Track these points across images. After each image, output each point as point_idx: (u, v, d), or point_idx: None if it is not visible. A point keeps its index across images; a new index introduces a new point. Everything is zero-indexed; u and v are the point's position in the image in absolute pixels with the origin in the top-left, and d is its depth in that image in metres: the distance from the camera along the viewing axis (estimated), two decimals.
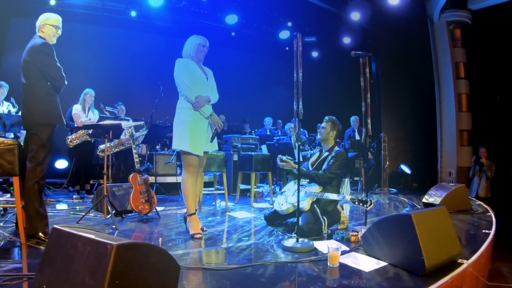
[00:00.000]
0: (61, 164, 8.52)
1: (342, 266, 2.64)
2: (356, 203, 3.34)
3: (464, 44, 9.80)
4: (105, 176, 4.19)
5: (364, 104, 3.80)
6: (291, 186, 4.15)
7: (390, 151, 9.12)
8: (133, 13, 8.86)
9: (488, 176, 8.81)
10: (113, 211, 4.24)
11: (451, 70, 9.68)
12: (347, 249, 3.09)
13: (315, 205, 3.78)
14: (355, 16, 9.30)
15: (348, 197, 3.45)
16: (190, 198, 3.65)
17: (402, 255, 2.56)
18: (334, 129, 4.12)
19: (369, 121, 3.82)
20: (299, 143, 3.11)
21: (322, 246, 3.16)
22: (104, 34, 9.22)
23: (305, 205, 3.71)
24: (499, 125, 9.60)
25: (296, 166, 4.05)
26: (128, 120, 6.30)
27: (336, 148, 4.11)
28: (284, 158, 4.02)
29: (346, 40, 10.31)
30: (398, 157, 9.93)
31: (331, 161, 3.94)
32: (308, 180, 3.97)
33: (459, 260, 2.71)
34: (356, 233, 3.42)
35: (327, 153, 4.09)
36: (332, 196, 3.60)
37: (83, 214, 4.23)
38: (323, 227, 3.70)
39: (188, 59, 3.75)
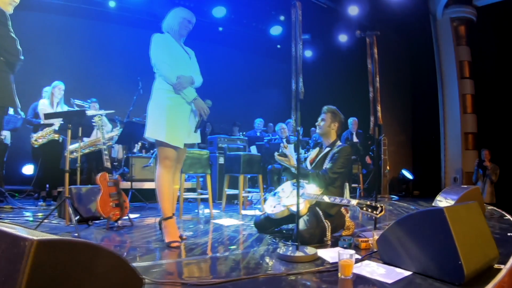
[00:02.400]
0: (28, 169, 8.04)
1: (358, 278, 2.19)
2: (364, 209, 2.89)
3: (469, 42, 9.61)
4: (66, 175, 3.68)
5: (372, 89, 3.38)
6: (286, 187, 3.67)
7: (390, 156, 8.77)
8: (112, 4, 8.45)
9: (493, 180, 8.53)
10: (77, 217, 3.76)
11: (455, 69, 9.46)
12: (359, 257, 2.63)
13: (316, 208, 3.33)
14: (353, 10, 9.00)
15: (354, 202, 3.00)
16: (166, 198, 3.16)
17: (432, 260, 2.11)
18: (335, 120, 3.71)
19: (378, 108, 3.39)
20: (299, 129, 2.66)
21: (328, 254, 2.71)
22: (79, 26, 8.83)
23: (301, 208, 3.25)
24: (505, 127, 9.32)
25: (296, 163, 3.62)
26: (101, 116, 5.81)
27: (339, 142, 3.70)
28: (284, 152, 3.58)
29: (343, 38, 10.01)
30: (398, 162, 9.63)
31: (334, 158, 3.52)
32: (306, 181, 3.52)
33: (496, 266, 2.32)
34: (366, 239, 2.98)
35: (328, 149, 3.66)
36: (335, 200, 3.14)
37: (45, 221, 3.74)
38: (327, 232, 3.24)
39: (167, 35, 3.34)
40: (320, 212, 3.31)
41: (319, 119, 3.76)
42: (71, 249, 1.17)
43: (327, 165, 3.53)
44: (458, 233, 2.02)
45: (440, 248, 2.07)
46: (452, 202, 4.77)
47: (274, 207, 3.50)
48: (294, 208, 3.26)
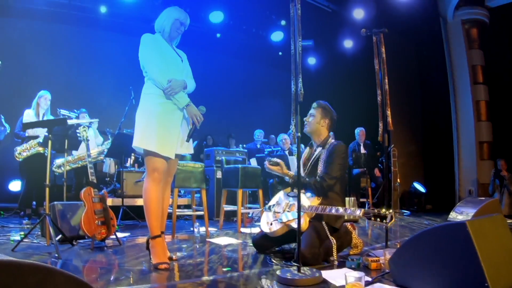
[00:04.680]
0: (15, 186, 7.92)
1: None
2: (373, 218, 2.71)
3: (482, 45, 9.52)
4: (47, 189, 3.52)
5: (380, 92, 3.22)
6: (281, 199, 3.48)
7: (400, 167, 8.60)
8: (103, 9, 8.40)
9: (511, 191, 8.32)
10: (59, 236, 3.59)
11: (468, 74, 9.34)
12: (369, 279, 2.45)
13: (319, 222, 3.14)
14: (358, 14, 8.92)
15: (360, 212, 2.82)
16: (154, 215, 2.98)
17: (453, 283, 1.94)
18: (326, 116, 3.51)
19: (388, 112, 3.22)
20: (299, 135, 2.50)
21: (334, 276, 2.53)
22: (68, 33, 8.78)
23: (301, 223, 3.06)
24: None
25: (290, 172, 3.44)
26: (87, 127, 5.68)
27: (331, 140, 3.49)
28: (274, 160, 3.40)
29: (348, 43, 9.93)
30: (409, 174, 9.46)
31: (328, 160, 3.32)
32: (302, 190, 3.33)
33: None
34: (377, 259, 2.79)
35: (319, 149, 3.47)
36: (339, 211, 2.95)
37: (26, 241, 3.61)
38: (332, 251, 3.05)
39: (158, 35, 3.23)
40: (326, 227, 3.12)
41: (308, 114, 3.57)
42: (16, 271, 1.01)
43: (323, 169, 3.33)
44: (484, 251, 1.85)
45: (463, 268, 1.90)
46: (469, 217, 4.60)
47: (271, 224, 3.33)
48: (293, 224, 3.09)
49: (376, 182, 8.28)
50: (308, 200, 3.22)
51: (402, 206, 8.64)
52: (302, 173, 3.50)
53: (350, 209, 2.93)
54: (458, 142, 9.62)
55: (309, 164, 3.51)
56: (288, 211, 3.27)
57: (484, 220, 2.11)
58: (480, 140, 9.39)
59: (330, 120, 3.54)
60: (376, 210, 2.73)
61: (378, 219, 2.68)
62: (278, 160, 3.40)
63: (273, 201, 3.56)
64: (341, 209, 2.95)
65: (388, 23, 9.38)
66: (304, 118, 3.57)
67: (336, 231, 3.22)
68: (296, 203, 3.19)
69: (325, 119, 3.51)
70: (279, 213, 3.33)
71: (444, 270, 2.00)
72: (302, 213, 3.05)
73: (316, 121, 3.50)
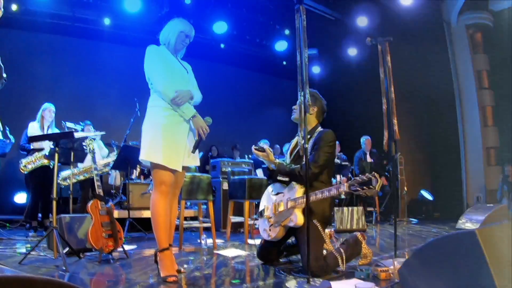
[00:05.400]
0: (21, 198, 7.98)
1: None
2: (359, 189, 2.64)
3: (486, 50, 9.49)
4: (54, 203, 3.55)
5: (385, 101, 3.23)
6: (269, 198, 3.46)
7: (407, 175, 8.58)
8: (107, 21, 8.49)
9: None
10: (66, 249, 3.61)
11: (473, 80, 9.34)
12: None
13: (313, 221, 3.10)
14: (362, 21, 8.96)
15: (345, 187, 2.76)
16: (162, 228, 3.00)
17: None
18: (314, 104, 3.44)
19: (394, 121, 3.23)
20: (306, 146, 2.51)
21: (343, 287, 2.53)
22: (72, 45, 8.86)
23: (297, 221, 3.04)
24: None
25: (276, 160, 3.40)
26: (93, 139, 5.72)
27: (320, 128, 3.40)
28: (261, 144, 3.36)
29: (352, 51, 9.97)
30: (416, 182, 9.42)
31: (315, 147, 3.24)
32: (287, 179, 3.27)
33: None
34: (386, 268, 2.79)
35: (307, 137, 3.42)
36: (324, 193, 2.88)
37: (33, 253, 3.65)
38: (341, 261, 3.05)
39: (163, 47, 3.27)
40: (318, 224, 3.10)
41: (297, 103, 3.54)
42: (29, 286, 1.03)
43: (309, 157, 3.22)
44: (493, 259, 1.84)
45: (473, 277, 1.89)
46: (478, 224, 4.58)
47: (270, 230, 3.32)
48: (289, 223, 3.09)
49: (383, 191, 8.26)
50: (293, 190, 3.18)
51: (409, 214, 8.59)
52: (288, 162, 3.48)
53: (332, 187, 2.87)
54: (464, 148, 9.58)
55: (295, 151, 3.44)
56: (279, 212, 3.25)
57: (494, 228, 2.10)
58: (487, 145, 9.34)
59: (318, 108, 3.48)
60: (359, 179, 2.67)
61: (365, 187, 2.61)
62: (265, 146, 3.36)
63: (262, 206, 3.55)
64: (326, 192, 2.89)
65: (392, 30, 9.39)
66: (292, 107, 3.52)
67: (329, 222, 3.18)
68: (283, 199, 3.19)
69: (313, 107, 3.44)
70: (271, 218, 3.32)
71: (454, 279, 1.99)
72: (292, 207, 3.06)
73: None
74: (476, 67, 9.44)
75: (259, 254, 3.64)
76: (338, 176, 7.84)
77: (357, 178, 2.67)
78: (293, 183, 3.26)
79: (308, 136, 3.29)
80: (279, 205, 3.28)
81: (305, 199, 2.69)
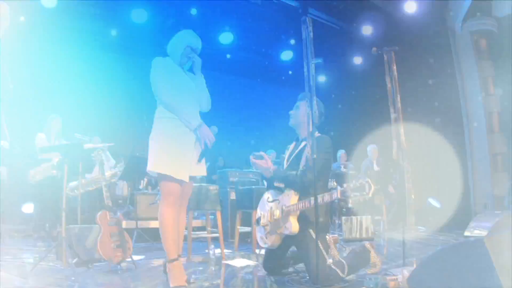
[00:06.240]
0: (28, 208, 7.98)
1: None
2: (352, 195, 2.65)
3: (491, 56, 9.44)
4: (63, 213, 3.59)
5: (393, 110, 3.25)
6: (265, 205, 3.47)
7: (414, 183, 8.53)
8: (114, 32, 8.58)
9: None
10: (75, 259, 3.65)
11: (479, 86, 9.30)
12: None
13: (309, 231, 3.11)
14: (367, 30, 9.01)
15: (337, 194, 2.77)
16: (171, 239, 3.03)
17: None
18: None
19: (401, 131, 3.24)
20: (314, 156, 2.54)
21: None
22: (79, 56, 8.86)
23: (292, 230, 3.05)
24: None
25: (273, 166, 3.42)
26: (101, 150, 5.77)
27: (317, 134, 3.36)
28: (259, 153, 3.39)
29: (358, 59, 10.00)
30: (423, 189, 9.36)
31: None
32: (283, 185, 3.29)
33: None
34: (395, 277, 2.80)
35: (304, 142, 3.40)
36: (318, 200, 2.83)
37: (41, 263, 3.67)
38: (342, 271, 3.01)
39: (169, 59, 3.31)
40: (312, 233, 3.09)
41: (294, 107, 3.52)
42: None
43: (304, 162, 3.25)
44: (501, 267, 1.86)
45: (481, 285, 1.90)
46: (486, 232, 4.55)
47: (266, 238, 3.34)
48: (284, 231, 3.09)
49: (390, 199, 8.22)
50: (288, 197, 3.19)
51: (417, 222, 8.53)
52: (285, 168, 3.49)
53: (325, 194, 2.87)
54: (471, 155, 9.53)
55: (292, 157, 3.46)
56: (274, 220, 3.26)
57: (502, 236, 2.12)
58: (493, 152, 9.27)
59: (316, 113, 3.39)
60: (351, 185, 2.67)
61: (358, 193, 2.62)
62: (263, 154, 3.39)
63: (258, 213, 3.56)
64: (319, 198, 2.86)
65: (397, 38, 9.45)
66: (289, 112, 3.54)
67: (326, 229, 3.19)
68: (278, 206, 3.20)
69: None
70: (268, 225, 3.34)
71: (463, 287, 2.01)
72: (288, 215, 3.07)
73: (302, 113, 3.40)
74: (482, 74, 9.38)
75: (265, 266, 3.65)
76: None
77: (350, 184, 2.68)
78: (287, 189, 3.27)
79: (305, 142, 3.32)
80: (274, 213, 3.30)
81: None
